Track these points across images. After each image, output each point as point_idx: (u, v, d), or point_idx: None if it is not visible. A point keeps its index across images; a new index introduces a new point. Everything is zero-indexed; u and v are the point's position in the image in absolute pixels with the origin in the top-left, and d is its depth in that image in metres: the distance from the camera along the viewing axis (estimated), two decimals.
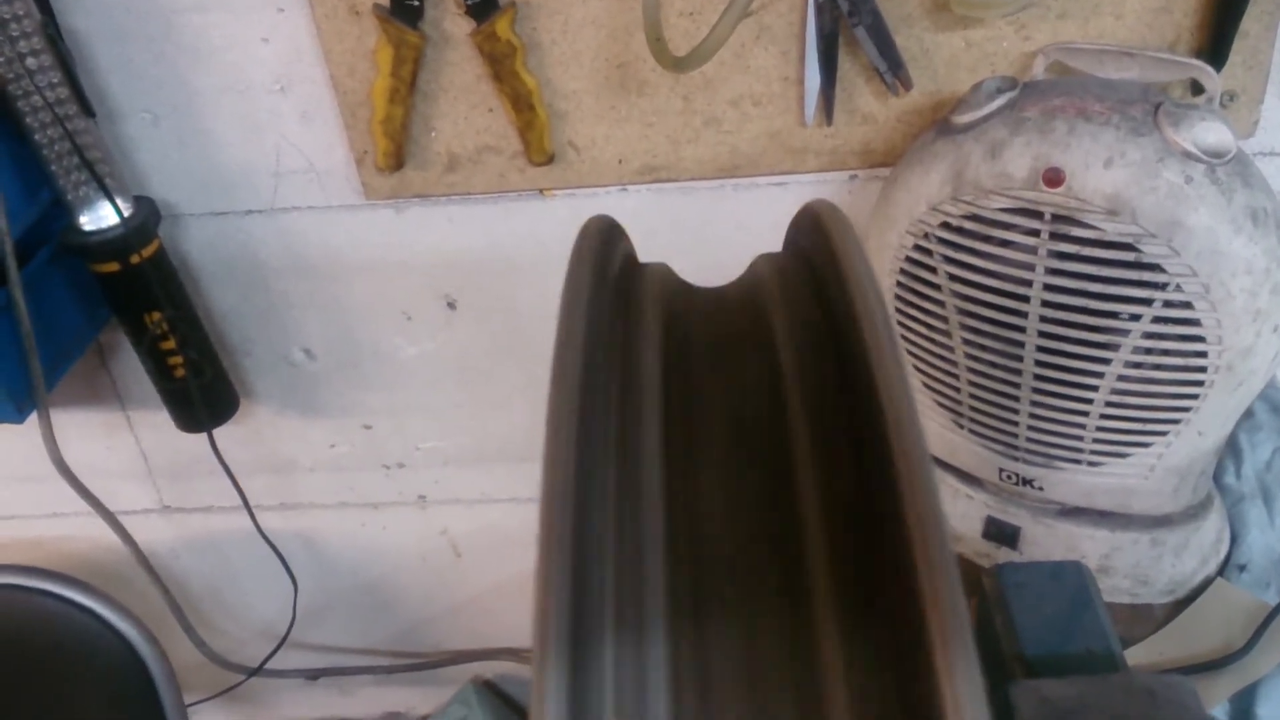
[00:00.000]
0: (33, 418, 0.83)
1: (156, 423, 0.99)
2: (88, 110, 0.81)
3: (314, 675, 1.31)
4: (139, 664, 0.89)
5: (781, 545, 0.26)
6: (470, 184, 0.87)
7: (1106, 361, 0.67)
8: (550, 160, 0.85)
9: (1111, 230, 0.63)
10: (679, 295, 0.35)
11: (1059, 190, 0.64)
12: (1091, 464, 0.72)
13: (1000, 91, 0.70)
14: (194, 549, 1.19)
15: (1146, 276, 0.64)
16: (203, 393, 0.92)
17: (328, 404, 1.04)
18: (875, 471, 0.24)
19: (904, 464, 0.23)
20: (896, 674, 0.23)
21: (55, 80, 0.78)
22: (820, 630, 0.24)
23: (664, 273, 0.37)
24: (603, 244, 0.32)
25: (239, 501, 1.08)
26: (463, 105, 0.83)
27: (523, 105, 0.81)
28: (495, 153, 0.86)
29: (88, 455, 1.10)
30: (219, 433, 1.00)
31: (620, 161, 0.86)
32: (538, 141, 0.83)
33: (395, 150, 0.84)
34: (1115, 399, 0.68)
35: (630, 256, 0.36)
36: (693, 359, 0.31)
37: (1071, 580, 0.69)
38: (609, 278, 0.31)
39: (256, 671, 1.16)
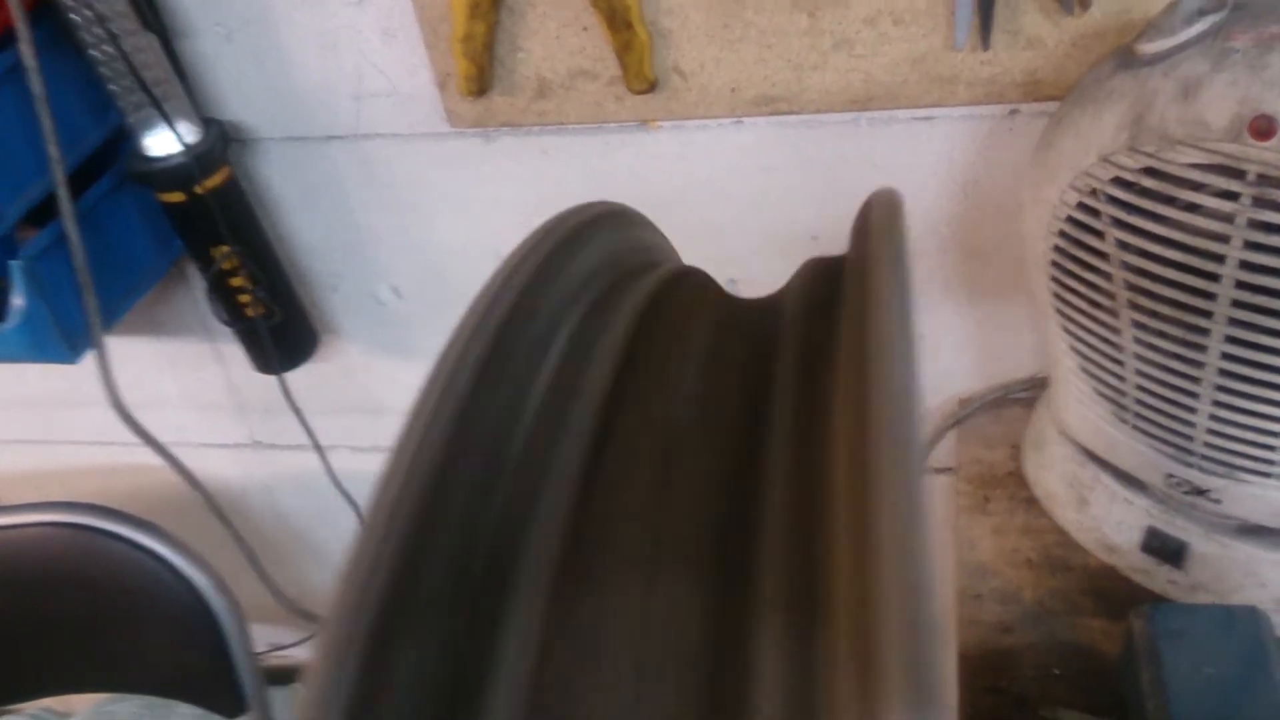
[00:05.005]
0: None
1: (244, 357, 0.94)
2: (147, 25, 0.74)
3: None
4: (206, 611, 0.85)
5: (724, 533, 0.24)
6: (563, 113, 0.77)
7: None
8: (652, 88, 0.74)
9: None
10: (671, 295, 0.33)
11: (1270, 144, 0.52)
12: None
13: (1203, 12, 0.56)
14: (292, 486, 1.15)
15: None
16: (273, 334, 0.86)
17: (418, 345, 0.98)
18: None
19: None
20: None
21: None
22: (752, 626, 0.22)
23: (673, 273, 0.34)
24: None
25: (332, 440, 1.03)
26: (553, 23, 0.73)
27: (619, 23, 0.70)
28: (590, 78, 0.75)
29: (182, 386, 1.06)
30: (305, 369, 0.95)
31: (733, 90, 0.74)
32: (637, 66, 0.72)
33: (478, 73, 0.75)
34: None
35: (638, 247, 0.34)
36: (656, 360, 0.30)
37: (1245, 631, 0.57)
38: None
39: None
